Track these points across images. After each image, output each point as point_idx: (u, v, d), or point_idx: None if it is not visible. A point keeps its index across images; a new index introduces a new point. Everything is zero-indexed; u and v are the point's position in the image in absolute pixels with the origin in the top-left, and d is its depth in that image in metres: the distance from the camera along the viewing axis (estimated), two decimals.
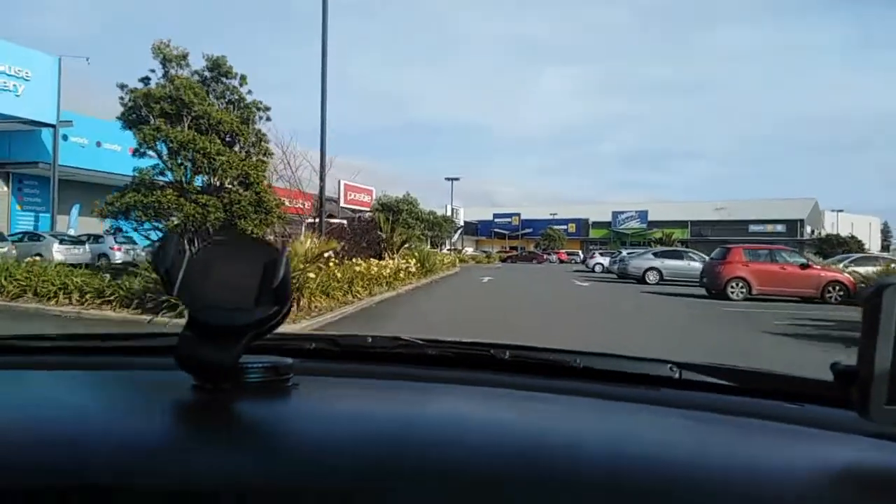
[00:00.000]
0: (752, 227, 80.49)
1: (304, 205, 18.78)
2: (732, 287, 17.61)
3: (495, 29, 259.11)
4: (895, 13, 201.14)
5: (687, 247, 71.90)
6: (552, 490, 0.54)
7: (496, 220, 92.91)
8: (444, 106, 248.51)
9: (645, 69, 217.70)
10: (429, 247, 51.13)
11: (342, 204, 62.83)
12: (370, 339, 1.07)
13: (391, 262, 20.99)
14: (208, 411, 0.70)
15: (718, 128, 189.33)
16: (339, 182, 62.82)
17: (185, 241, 0.69)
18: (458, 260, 45.85)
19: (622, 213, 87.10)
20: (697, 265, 24.83)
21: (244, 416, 0.70)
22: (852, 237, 64.38)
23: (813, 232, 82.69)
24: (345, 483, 0.54)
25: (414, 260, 22.59)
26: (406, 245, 26.14)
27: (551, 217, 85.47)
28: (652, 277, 25.45)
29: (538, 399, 0.86)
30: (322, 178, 15.57)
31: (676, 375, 0.93)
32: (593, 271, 39.84)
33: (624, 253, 32.25)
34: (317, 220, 20.82)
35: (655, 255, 26.24)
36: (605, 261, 40.06)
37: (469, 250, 71.53)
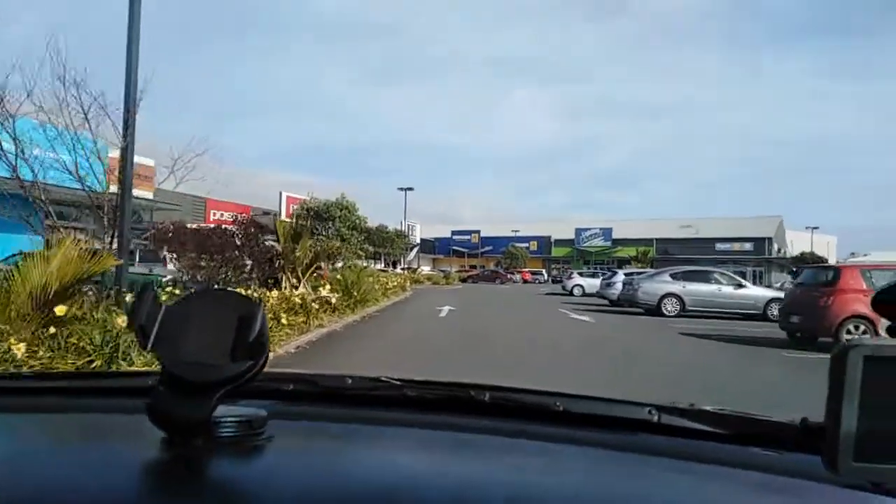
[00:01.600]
0: (720, 246, 75.42)
1: None
2: (850, 332, 10.37)
3: (459, 48, 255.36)
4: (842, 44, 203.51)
5: (653, 266, 66.06)
6: None
7: (455, 237, 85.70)
8: (402, 126, 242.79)
9: (611, 91, 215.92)
10: (377, 265, 44.18)
11: (284, 217, 54.71)
12: (349, 381, 1.05)
13: (295, 291, 13.18)
14: (178, 468, 0.67)
15: (680, 150, 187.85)
16: (280, 194, 55.01)
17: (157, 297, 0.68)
18: (409, 281, 38.30)
19: (586, 230, 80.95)
20: (729, 290, 17.86)
21: (215, 474, 0.67)
22: (817, 256, 59.54)
23: (779, 250, 78.12)
24: None
25: (330, 287, 14.50)
26: (329, 264, 18.13)
27: (513, 234, 78.61)
28: (671, 307, 18.20)
29: (515, 448, 0.85)
30: (127, 134, 7.67)
31: (655, 419, 0.92)
32: (572, 294, 32.54)
33: (620, 274, 24.77)
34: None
35: (674, 276, 18.88)
36: (586, 282, 32.84)
37: (426, 269, 63.90)
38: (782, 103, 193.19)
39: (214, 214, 53.44)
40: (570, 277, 34.52)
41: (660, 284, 18.66)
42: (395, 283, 25.79)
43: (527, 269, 67.64)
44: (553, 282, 68.45)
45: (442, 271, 62.33)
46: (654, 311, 18.29)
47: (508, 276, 58.20)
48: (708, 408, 0.95)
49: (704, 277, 18.78)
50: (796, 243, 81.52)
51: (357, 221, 31.79)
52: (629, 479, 0.77)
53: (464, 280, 57.26)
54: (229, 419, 0.71)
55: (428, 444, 0.85)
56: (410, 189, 48.88)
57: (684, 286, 18.33)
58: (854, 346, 0.53)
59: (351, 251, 27.34)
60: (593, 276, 33.30)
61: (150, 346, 0.64)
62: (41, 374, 1.26)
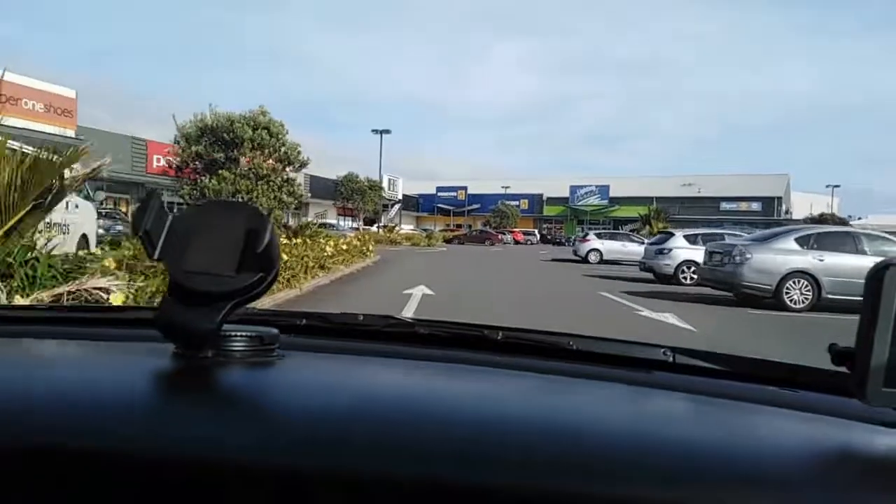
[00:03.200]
0: (724, 205, 68.24)
1: None
2: None
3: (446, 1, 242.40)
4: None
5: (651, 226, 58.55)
6: (555, 468, 0.51)
7: (440, 194, 77.60)
8: (388, 79, 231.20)
9: (604, 47, 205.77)
10: (350, 223, 36.63)
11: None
12: (361, 318, 1.03)
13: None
14: (189, 378, 0.66)
15: (674, 109, 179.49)
16: None
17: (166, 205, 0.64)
18: (382, 243, 30.40)
19: (581, 188, 73.18)
20: None
21: (226, 385, 0.66)
22: (838, 218, 52.62)
23: (787, 211, 71.08)
24: (328, 457, 0.51)
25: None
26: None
27: (503, 191, 70.56)
28: (800, 295, 10.54)
29: (528, 377, 0.83)
30: None
31: (670, 359, 0.89)
32: (586, 261, 24.77)
33: (679, 238, 16.66)
34: None
35: (803, 241, 11.02)
36: (604, 246, 25.05)
37: (407, 228, 55.99)
38: (785, 60, 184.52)
39: (157, 160, 45.11)
40: (584, 239, 26.70)
41: (781, 256, 10.78)
42: (350, 247, 17.73)
43: (518, 230, 59.80)
44: (552, 243, 60.99)
45: (424, 230, 54.40)
46: (770, 298, 10.63)
47: (499, 236, 50.33)
48: (722, 352, 0.92)
49: (848, 243, 10.99)
50: (798, 205, 74.36)
51: (288, 152, 20.40)
52: (643, 406, 0.74)
53: (448, 241, 49.37)
54: (240, 333, 0.69)
55: (440, 373, 0.83)
56: (387, 132, 40.62)
57: (821, 258, 10.58)
58: (892, 265, 0.50)
59: (267, 195, 18.99)
60: (612, 237, 25.99)
61: (157, 254, 0.61)
62: (54, 306, 1.18)
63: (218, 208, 0.65)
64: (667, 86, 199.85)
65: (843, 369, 0.57)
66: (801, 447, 0.61)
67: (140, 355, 0.77)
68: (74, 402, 0.58)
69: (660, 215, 40.50)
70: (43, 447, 0.51)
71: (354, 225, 44.93)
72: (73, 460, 0.51)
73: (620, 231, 27.77)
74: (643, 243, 22.76)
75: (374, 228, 41.38)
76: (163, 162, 39.60)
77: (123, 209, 42.82)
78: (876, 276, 0.50)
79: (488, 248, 40.72)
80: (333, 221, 51.95)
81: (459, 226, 70.32)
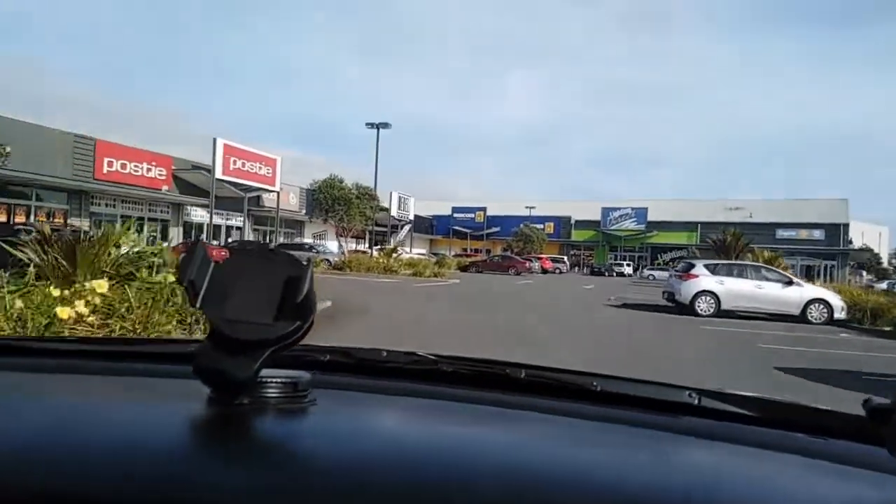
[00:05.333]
0: (781, 233, 57.53)
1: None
2: None
3: (461, 27, 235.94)
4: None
5: (696, 256, 47.94)
6: None
7: (455, 215, 67.79)
8: (406, 103, 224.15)
9: (625, 72, 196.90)
10: (354, 245, 26.86)
11: (219, 174, 36.17)
12: (384, 354, 1.00)
13: None
14: (225, 426, 0.65)
15: (703, 135, 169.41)
16: (214, 143, 37.04)
17: (222, 251, 0.66)
18: (377, 269, 20.46)
19: (614, 209, 62.95)
20: None
21: (261, 432, 0.65)
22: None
23: (850, 241, 60.12)
24: (361, 502, 0.50)
25: None
26: None
27: (527, 213, 60.35)
28: None
29: (552, 422, 0.80)
30: None
31: (696, 402, 0.85)
32: (692, 311, 14.35)
33: None
34: None
35: None
36: (724, 287, 14.58)
37: (419, 252, 45.88)
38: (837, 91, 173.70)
39: (109, 165, 35.71)
40: (687, 275, 15.13)
41: None
42: None
43: (545, 256, 49.47)
44: (592, 273, 50.67)
45: (434, 255, 44.26)
46: None
47: (526, 263, 40.04)
48: (749, 393, 0.88)
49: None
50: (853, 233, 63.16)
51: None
52: (669, 456, 0.71)
53: (464, 268, 39.19)
54: (274, 380, 0.68)
55: (466, 416, 0.81)
56: (385, 126, 30.75)
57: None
58: None
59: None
60: (736, 272, 14.85)
61: (199, 303, 0.61)
62: (86, 338, 1.17)
63: (259, 257, 0.65)
64: (693, 109, 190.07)
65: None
66: (832, 502, 0.58)
67: (175, 399, 0.75)
68: (106, 445, 0.57)
69: (738, 240, 29.82)
70: (71, 492, 0.50)
71: (357, 247, 35.21)
72: (99, 503, 0.49)
73: (749, 262, 17.15)
74: (788, 283, 12.80)
75: (373, 251, 31.42)
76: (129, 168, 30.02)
77: (60, 221, 34.02)
78: None
79: (513, 280, 30.38)
80: (310, 241, 42.08)
81: (477, 250, 60.28)
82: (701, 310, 14.44)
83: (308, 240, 43.26)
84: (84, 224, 33.89)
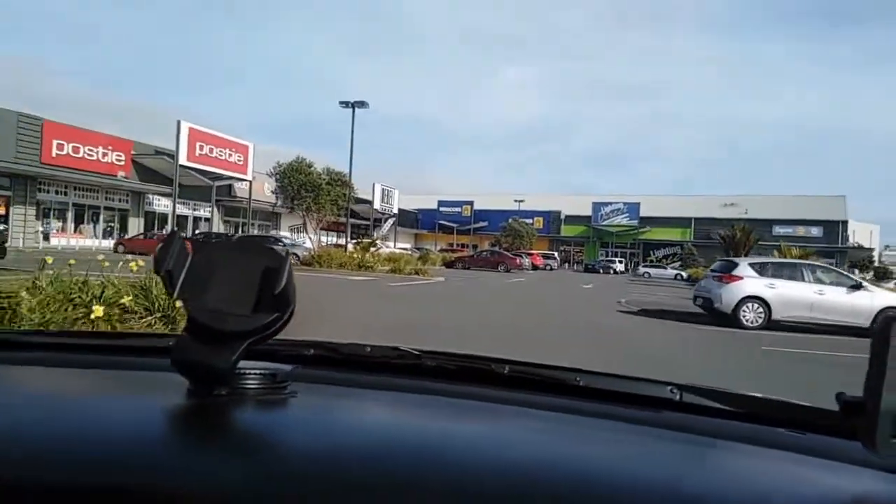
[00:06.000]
0: (778, 229, 54.96)
1: None
2: None
3: (450, 23, 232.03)
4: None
5: (692, 253, 45.17)
6: None
7: (442, 209, 64.72)
8: (391, 99, 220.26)
9: (618, 68, 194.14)
10: (330, 238, 23.43)
11: (183, 160, 32.56)
12: (368, 349, 1.00)
13: None
14: (202, 416, 0.65)
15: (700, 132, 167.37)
16: (178, 125, 33.23)
17: (188, 243, 0.64)
18: (349, 265, 17.30)
19: (606, 204, 60.21)
20: None
21: (239, 423, 0.64)
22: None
23: (848, 239, 57.83)
24: (337, 497, 0.50)
25: None
26: None
27: (516, 208, 57.28)
28: None
29: (535, 417, 0.80)
30: None
31: (677, 398, 0.86)
32: (736, 322, 11.22)
33: None
34: None
35: None
36: (775, 291, 11.41)
37: (402, 247, 42.69)
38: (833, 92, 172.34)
39: (59, 148, 31.97)
40: (729, 276, 11.54)
41: None
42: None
43: (535, 252, 46.43)
44: (586, 270, 47.65)
45: (418, 249, 41.06)
46: None
47: (517, 259, 36.90)
48: (728, 390, 0.89)
49: None
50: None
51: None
52: (651, 450, 0.71)
53: (449, 264, 36.02)
54: (253, 371, 0.68)
55: (448, 410, 0.81)
56: (361, 104, 27.24)
57: None
58: None
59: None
60: (788, 272, 11.42)
61: (176, 293, 0.61)
62: (63, 332, 1.18)
63: (238, 248, 0.64)
64: (684, 107, 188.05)
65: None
66: (809, 495, 0.58)
67: (153, 390, 0.74)
68: (85, 436, 0.57)
69: (748, 236, 26.94)
70: (50, 482, 0.50)
71: (339, 241, 31.90)
72: (82, 497, 0.49)
73: (802, 261, 13.86)
74: (855, 287, 10.18)
75: (348, 245, 28.14)
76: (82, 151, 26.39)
77: (1, 210, 30.35)
78: (882, 330, 0.49)
79: (503, 278, 27.25)
80: (277, 234, 38.64)
81: (464, 246, 57.17)
82: (747, 321, 11.18)
83: (284, 233, 39.90)
84: (30, 212, 30.78)
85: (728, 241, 29.02)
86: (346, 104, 26.39)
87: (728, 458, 0.70)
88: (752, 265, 11.75)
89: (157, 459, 0.53)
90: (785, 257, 17.82)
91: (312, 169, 23.87)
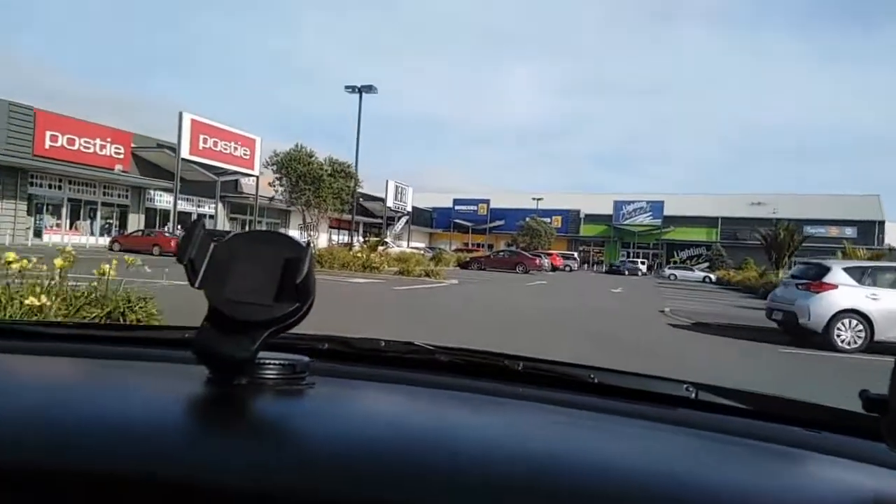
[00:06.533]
0: (809, 230, 51.53)
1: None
2: None
3: (460, 22, 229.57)
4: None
5: (721, 254, 42.38)
6: None
7: (457, 207, 62.43)
8: (403, 98, 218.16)
9: (621, 70, 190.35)
10: (338, 237, 21.13)
11: (185, 154, 30.52)
12: (383, 343, 1.01)
13: None
14: (223, 405, 0.65)
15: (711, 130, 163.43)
16: (180, 116, 30.98)
17: (209, 233, 0.65)
18: (353, 266, 15.09)
19: (628, 203, 57.50)
20: None
21: (259, 412, 0.65)
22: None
23: (884, 239, 54.43)
24: (357, 486, 0.51)
25: None
26: None
27: (534, 206, 54.69)
28: None
29: (549, 411, 0.79)
30: None
31: (693, 395, 0.85)
32: (827, 342, 8.65)
33: None
34: None
35: None
36: (878, 306, 8.66)
37: (418, 246, 40.41)
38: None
39: (53, 139, 30.00)
40: (818, 285, 8.90)
41: None
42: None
43: (554, 252, 43.87)
44: (609, 272, 45.02)
45: (431, 249, 38.69)
46: None
47: (537, 260, 34.38)
48: (745, 389, 0.88)
49: None
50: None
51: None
52: (668, 446, 0.70)
53: (464, 264, 33.63)
54: (272, 361, 0.68)
55: (461, 405, 0.80)
56: (369, 89, 24.34)
57: None
58: None
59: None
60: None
61: (198, 282, 0.61)
62: (84, 323, 1.17)
63: (260, 238, 0.64)
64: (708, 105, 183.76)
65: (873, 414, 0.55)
66: (828, 494, 0.58)
67: (173, 379, 0.75)
68: (105, 425, 0.57)
69: (793, 236, 24.17)
70: (72, 469, 0.50)
71: (353, 240, 29.70)
72: (102, 484, 0.50)
73: None
74: None
75: (354, 243, 25.86)
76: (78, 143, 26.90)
77: None
78: None
79: (523, 280, 24.79)
80: (295, 232, 36.46)
81: (480, 245, 54.76)
82: (843, 341, 8.76)
83: (293, 231, 37.73)
84: (21, 207, 28.95)
85: (770, 241, 26.33)
86: (352, 89, 24.07)
87: (745, 455, 0.68)
88: (847, 270, 9.21)
89: (176, 446, 0.53)
90: (850, 259, 15.10)
91: (313, 159, 21.53)
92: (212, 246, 0.62)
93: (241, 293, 0.60)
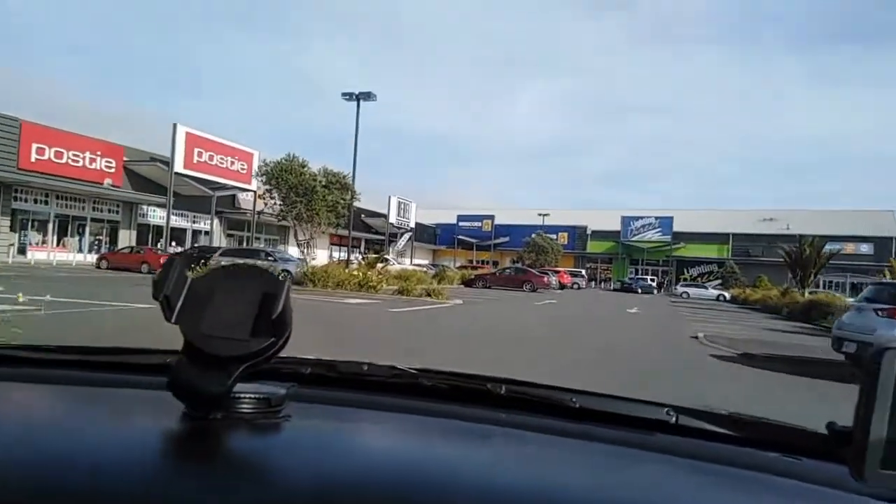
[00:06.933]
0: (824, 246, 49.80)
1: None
2: None
3: (467, 41, 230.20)
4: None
5: (735, 272, 40.67)
6: None
7: (461, 223, 60.84)
8: (410, 115, 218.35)
9: (619, 91, 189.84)
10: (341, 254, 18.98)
11: (179, 168, 29.12)
12: (366, 367, 1.00)
13: None
14: (197, 441, 0.65)
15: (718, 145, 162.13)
16: (174, 128, 29.47)
17: (187, 268, 0.65)
18: (348, 285, 13.52)
19: (636, 219, 55.81)
20: None
21: (233, 448, 0.64)
22: None
23: None
24: None
25: None
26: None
27: (539, 222, 53.05)
28: None
29: (531, 440, 0.80)
30: None
31: (673, 420, 0.85)
32: None
33: None
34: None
35: None
36: None
37: (420, 263, 38.77)
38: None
39: (39, 153, 28.54)
40: None
41: None
42: None
43: (562, 269, 42.11)
44: (622, 289, 43.18)
45: (435, 266, 36.96)
46: None
47: (545, 277, 32.64)
48: (725, 412, 0.89)
49: None
50: None
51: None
52: (644, 475, 0.71)
53: (469, 282, 31.97)
54: (248, 395, 0.68)
55: (442, 433, 0.81)
56: (367, 96, 22.36)
57: None
58: (890, 348, 0.48)
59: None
60: None
61: (174, 318, 0.61)
62: (62, 347, 0.99)
63: (237, 273, 0.64)
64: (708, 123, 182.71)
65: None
66: None
67: (148, 411, 0.74)
68: (77, 459, 0.56)
69: (819, 252, 22.41)
70: (38, 499, 0.50)
71: (351, 258, 28.15)
72: None
73: None
74: None
75: (351, 260, 24.23)
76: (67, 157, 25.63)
77: None
78: (874, 358, 0.49)
79: (531, 299, 23.35)
80: (266, 248, 34.94)
81: (484, 262, 53.11)
82: None
83: (293, 248, 36.17)
84: (3, 223, 27.50)
85: (794, 257, 24.58)
86: (349, 96, 22.57)
87: (719, 483, 0.69)
88: None
89: (150, 483, 0.53)
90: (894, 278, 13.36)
91: (306, 169, 19.87)
92: (189, 280, 0.62)
93: (217, 328, 0.60)
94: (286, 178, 19.31)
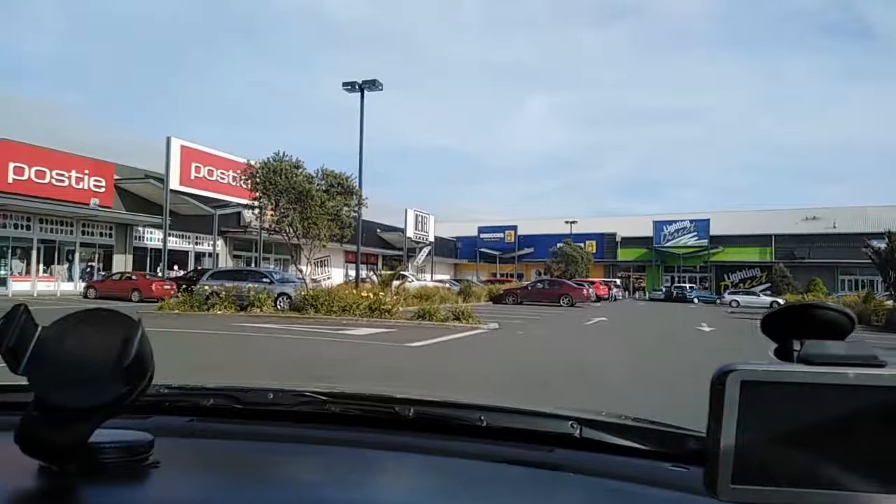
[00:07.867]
0: (877, 245, 45.03)
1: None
2: None
3: (479, 55, 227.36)
4: None
5: (785, 276, 36.52)
6: None
7: (482, 236, 57.32)
8: (421, 132, 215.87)
9: (635, 98, 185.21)
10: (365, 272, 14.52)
11: (175, 185, 25.90)
12: (271, 395, 0.96)
13: None
14: (50, 497, 0.61)
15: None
16: (167, 142, 25.91)
17: (32, 318, 0.61)
18: (354, 310, 10.15)
19: (669, 223, 51.77)
20: None
21: (91, 502, 0.62)
22: None
23: None
24: None
25: None
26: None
27: (567, 231, 49.11)
28: None
29: (437, 466, 0.80)
30: None
31: (577, 434, 0.86)
32: None
33: None
34: None
35: None
36: None
37: (441, 279, 35.13)
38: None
39: (18, 172, 25.29)
40: None
41: None
42: None
43: (595, 279, 38.16)
44: (668, 298, 39.02)
45: (457, 282, 33.29)
46: None
47: (583, 290, 28.76)
48: (629, 421, 0.91)
49: None
50: None
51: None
52: (543, 499, 0.72)
53: (497, 298, 28.27)
54: (108, 445, 0.64)
55: (342, 464, 0.78)
56: (373, 84, 18.54)
57: None
58: (731, 371, 0.50)
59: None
60: None
61: (21, 369, 0.57)
62: None
63: (89, 319, 0.62)
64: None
65: None
66: None
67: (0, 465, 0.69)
68: None
69: None
70: None
71: (370, 274, 24.76)
72: None
73: None
74: None
75: (360, 279, 20.70)
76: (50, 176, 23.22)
77: None
78: (718, 381, 0.50)
79: (575, 317, 19.76)
80: (270, 268, 31.57)
81: (509, 275, 49.32)
82: None
83: (303, 267, 32.81)
84: None
85: (886, 256, 20.57)
86: (350, 86, 19.15)
87: (609, 500, 0.71)
88: None
89: None
90: None
91: (300, 171, 16.28)
92: (39, 329, 0.59)
93: (70, 378, 0.56)
94: (274, 180, 15.78)
